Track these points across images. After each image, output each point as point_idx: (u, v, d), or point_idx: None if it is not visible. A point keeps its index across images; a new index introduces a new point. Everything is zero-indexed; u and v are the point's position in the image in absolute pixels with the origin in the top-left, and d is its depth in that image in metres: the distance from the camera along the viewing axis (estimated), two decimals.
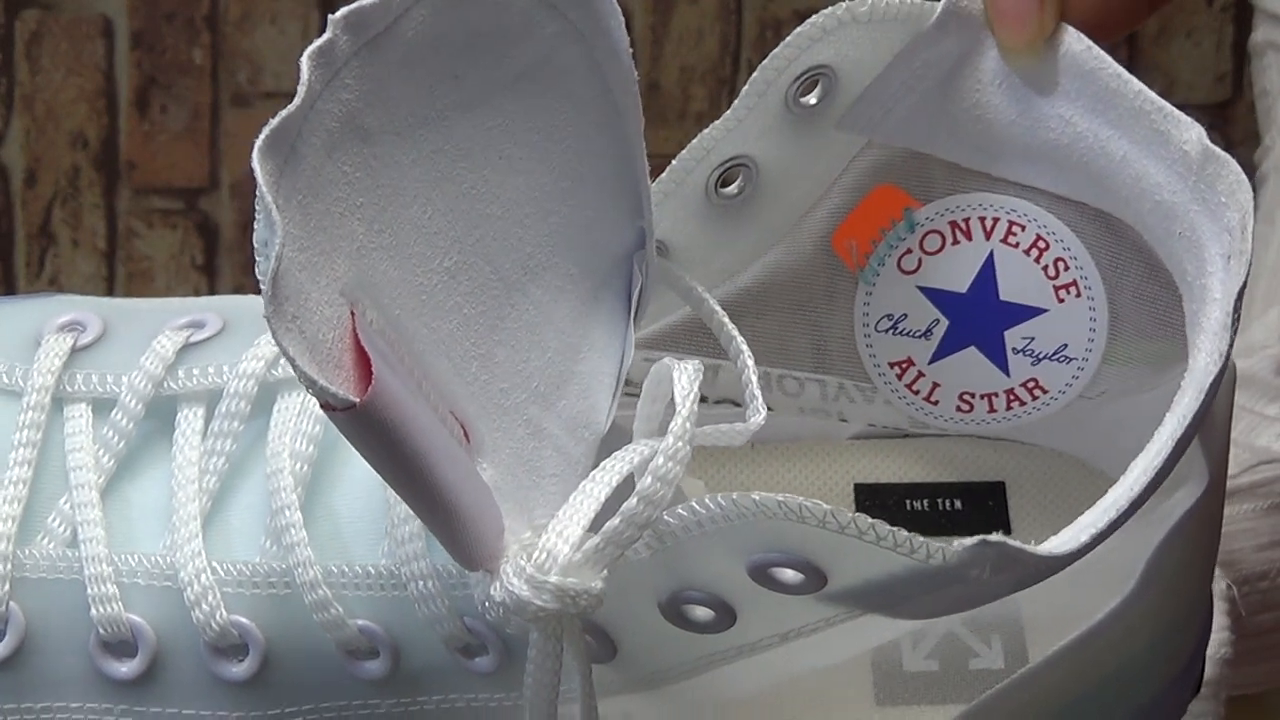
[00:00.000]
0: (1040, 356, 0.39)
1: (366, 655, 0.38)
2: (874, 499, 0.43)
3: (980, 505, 0.43)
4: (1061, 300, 0.38)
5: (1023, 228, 0.38)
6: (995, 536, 0.32)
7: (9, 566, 0.38)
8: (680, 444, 0.34)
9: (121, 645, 0.38)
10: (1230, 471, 0.60)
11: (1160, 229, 0.36)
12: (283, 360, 0.40)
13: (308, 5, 1.35)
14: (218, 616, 0.38)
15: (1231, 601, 0.58)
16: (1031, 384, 0.40)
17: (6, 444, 0.40)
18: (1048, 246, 0.38)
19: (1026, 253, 0.38)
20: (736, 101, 0.41)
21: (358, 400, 0.31)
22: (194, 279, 1.36)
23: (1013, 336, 0.39)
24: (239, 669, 0.38)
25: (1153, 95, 0.37)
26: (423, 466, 0.32)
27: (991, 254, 0.38)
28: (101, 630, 0.38)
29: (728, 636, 0.36)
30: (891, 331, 0.39)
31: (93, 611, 0.38)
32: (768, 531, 0.33)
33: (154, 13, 1.35)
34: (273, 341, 0.36)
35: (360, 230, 0.34)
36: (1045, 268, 0.38)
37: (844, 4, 0.38)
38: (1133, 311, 0.38)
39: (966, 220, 0.38)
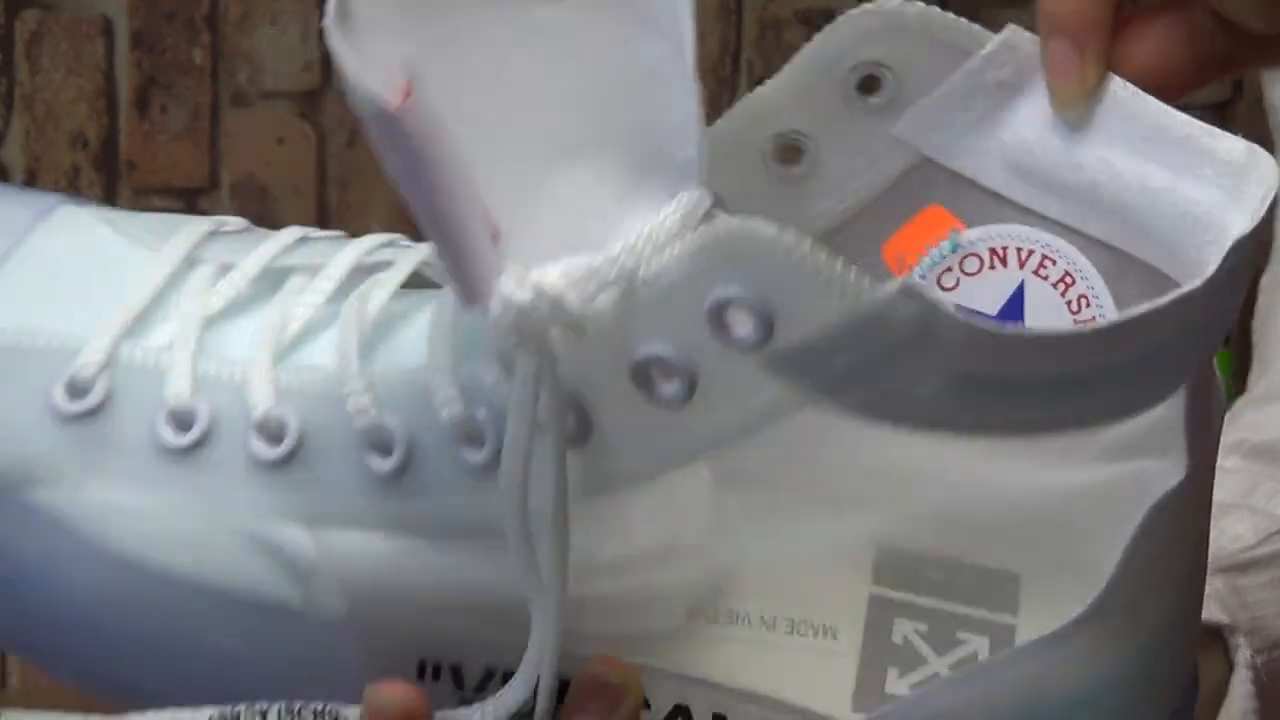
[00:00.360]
0: None
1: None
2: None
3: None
4: None
5: (1054, 262, 0.42)
6: (921, 285, 0.36)
7: (279, 378, 0.45)
8: (670, 220, 0.39)
9: (382, 444, 0.43)
10: (1249, 541, 0.62)
11: (1192, 241, 0.39)
12: (373, 255, 0.46)
13: (308, 5, 1.35)
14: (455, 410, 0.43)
15: (1255, 669, 0.59)
16: None
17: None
18: (1074, 282, 0.41)
19: (1054, 285, 0.42)
20: (787, 71, 0.45)
21: (393, 105, 0.35)
22: None
23: None
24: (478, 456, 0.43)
25: (1195, 121, 0.41)
26: (441, 188, 0.37)
27: (1023, 283, 0.42)
28: (362, 431, 0.43)
29: (692, 413, 0.40)
30: None
31: (354, 418, 0.44)
32: (730, 263, 0.38)
33: (154, 13, 1.35)
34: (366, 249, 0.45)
35: (429, 40, 0.39)
36: (1069, 302, 0.42)
37: (894, 1, 0.43)
38: None
39: (1004, 249, 0.42)
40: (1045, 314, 0.42)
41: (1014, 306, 0.42)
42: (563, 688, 0.43)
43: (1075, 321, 0.41)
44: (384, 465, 0.44)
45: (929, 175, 0.43)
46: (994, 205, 0.42)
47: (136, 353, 0.46)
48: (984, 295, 0.42)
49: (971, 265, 0.43)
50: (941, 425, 0.38)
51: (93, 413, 0.45)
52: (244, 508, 0.44)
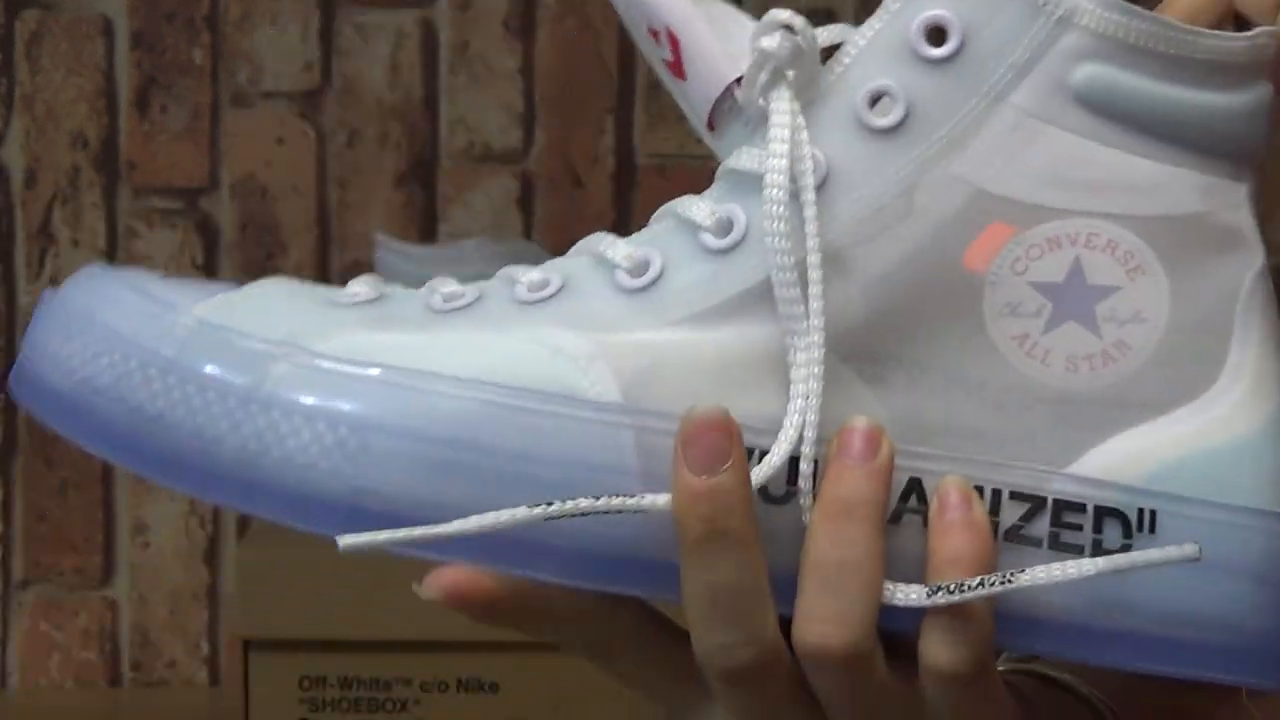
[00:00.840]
0: (1124, 321, 0.52)
1: None
2: None
3: None
4: (1132, 279, 0.52)
5: (1098, 235, 0.52)
6: None
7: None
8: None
9: (637, 267, 0.52)
10: None
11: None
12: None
13: (308, 5, 1.35)
14: None
15: None
16: (1119, 344, 0.52)
17: None
18: (1119, 244, 0.52)
19: (1103, 250, 0.52)
20: (872, 20, 0.52)
21: None
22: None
23: (1101, 310, 0.51)
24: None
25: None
26: None
27: (1078, 255, 0.52)
28: (621, 260, 0.52)
29: (908, 138, 0.50)
30: (1011, 315, 0.51)
31: (608, 251, 0.52)
32: None
33: (154, 13, 1.35)
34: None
35: None
36: (1119, 258, 0.52)
37: None
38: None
39: (1058, 236, 0.52)
40: (1102, 271, 0.52)
41: (1076, 272, 0.52)
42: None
43: (1126, 270, 0.52)
44: (640, 282, 0.52)
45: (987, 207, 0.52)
46: (1045, 212, 0.52)
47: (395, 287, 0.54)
48: (1049, 270, 0.52)
49: (1035, 253, 0.52)
50: (1100, 114, 0.50)
51: (370, 300, 0.52)
52: (519, 327, 0.51)
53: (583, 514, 0.49)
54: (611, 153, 1.37)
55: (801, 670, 0.50)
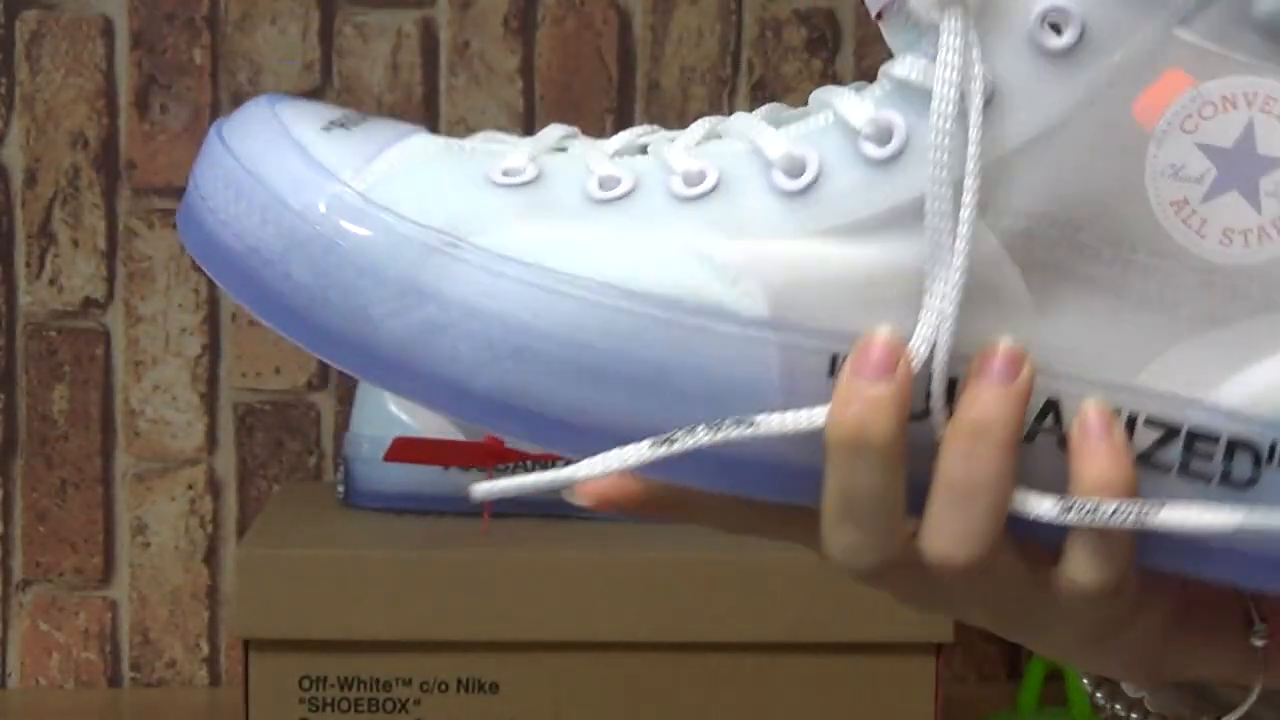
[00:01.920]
0: None
1: None
2: None
3: None
4: None
5: (1275, 99, 0.50)
6: None
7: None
8: None
9: (794, 168, 0.52)
10: None
11: None
12: None
13: (308, 5, 1.36)
14: None
15: None
16: (1278, 221, 0.50)
17: None
18: None
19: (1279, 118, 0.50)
20: None
21: None
22: (194, 279, 1.36)
23: (1266, 182, 0.50)
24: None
25: None
26: None
27: (1252, 119, 0.50)
28: (777, 159, 0.52)
29: (1081, 60, 0.50)
30: (1173, 177, 0.50)
31: (765, 149, 0.52)
32: None
33: (154, 13, 1.35)
34: None
35: None
36: None
37: None
38: None
39: (1234, 94, 0.50)
40: (1275, 140, 0.50)
41: (1246, 138, 0.50)
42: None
43: None
44: (796, 184, 0.52)
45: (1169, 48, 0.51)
46: (1226, 64, 0.50)
47: (551, 156, 0.54)
48: (1220, 133, 0.50)
49: (1208, 111, 0.50)
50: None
51: (526, 183, 0.52)
52: (673, 229, 0.51)
53: (718, 443, 0.50)
54: None
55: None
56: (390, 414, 1.21)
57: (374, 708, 1.10)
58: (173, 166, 1.35)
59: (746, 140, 0.53)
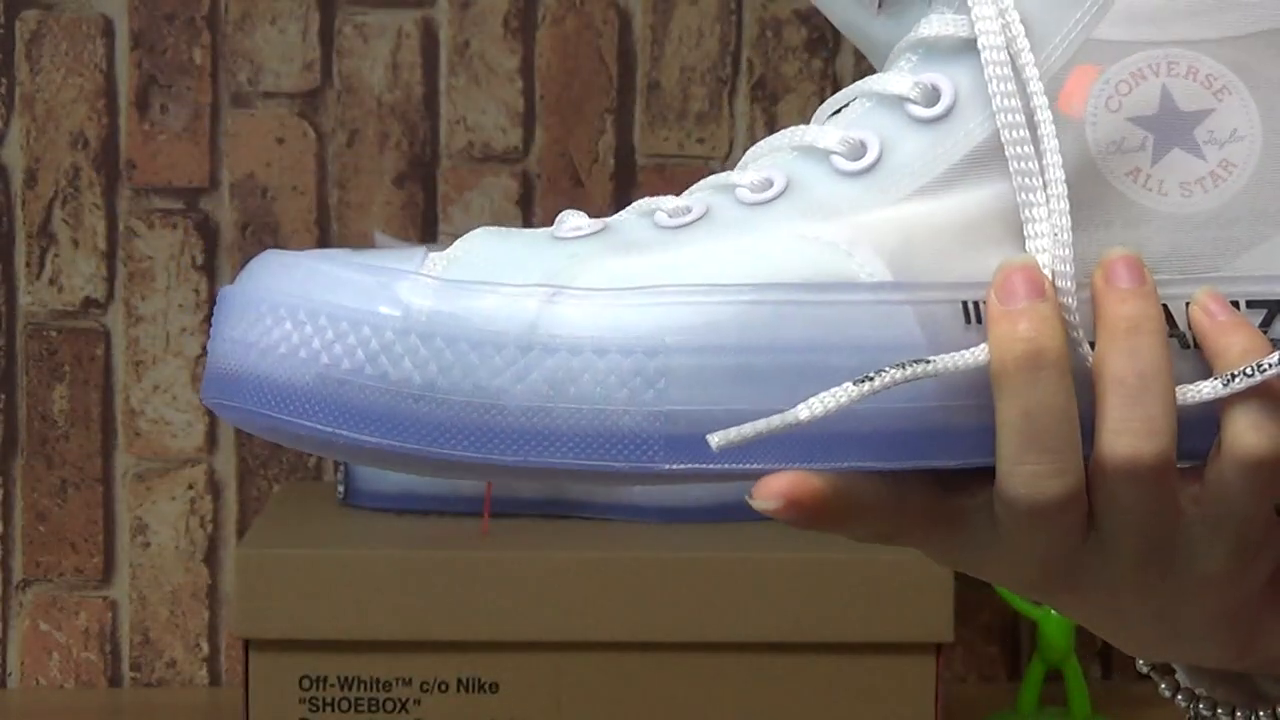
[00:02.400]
0: (1222, 141, 0.54)
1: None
2: None
3: None
4: (1220, 100, 0.54)
5: (1176, 63, 0.54)
6: None
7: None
8: None
9: (854, 151, 0.53)
10: None
11: None
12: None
13: (308, 5, 1.35)
14: None
15: None
16: (1224, 163, 0.54)
17: None
18: (1199, 69, 0.54)
19: (1185, 76, 0.54)
20: None
21: None
22: (194, 279, 1.36)
23: (1200, 133, 0.54)
24: None
25: None
26: None
27: (1164, 84, 0.54)
28: (837, 145, 0.53)
29: None
30: (1118, 153, 0.53)
31: (821, 138, 0.54)
32: None
33: (154, 13, 1.35)
34: None
35: None
36: (1201, 82, 0.54)
37: None
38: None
39: (1140, 69, 0.54)
40: (1190, 96, 0.54)
41: (1167, 100, 0.54)
42: None
43: (1213, 92, 0.53)
44: (862, 164, 0.53)
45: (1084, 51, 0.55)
46: (1121, 48, 0.54)
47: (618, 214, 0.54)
48: (1141, 102, 0.54)
49: (1123, 88, 0.54)
50: None
51: (597, 231, 0.53)
52: (768, 227, 0.52)
53: (907, 380, 0.51)
54: (611, 153, 1.37)
55: (1093, 507, 0.53)
56: None
57: (374, 708, 1.10)
58: (173, 166, 1.35)
59: (792, 147, 0.54)
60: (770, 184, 0.53)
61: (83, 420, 1.36)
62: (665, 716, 1.11)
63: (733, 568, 1.10)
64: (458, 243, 0.52)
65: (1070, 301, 0.52)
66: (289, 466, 1.37)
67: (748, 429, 0.50)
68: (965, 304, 0.53)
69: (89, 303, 1.35)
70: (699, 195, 0.54)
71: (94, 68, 1.35)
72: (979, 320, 0.53)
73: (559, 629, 1.10)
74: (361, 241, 1.36)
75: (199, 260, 1.36)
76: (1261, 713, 0.60)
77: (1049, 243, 0.52)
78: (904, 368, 0.51)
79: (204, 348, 1.36)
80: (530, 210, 1.37)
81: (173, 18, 1.35)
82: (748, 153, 0.56)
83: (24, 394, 1.35)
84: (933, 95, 0.53)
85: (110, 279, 1.35)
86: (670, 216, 0.53)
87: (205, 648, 1.37)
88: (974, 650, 1.40)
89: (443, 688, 1.11)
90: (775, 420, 0.50)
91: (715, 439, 0.49)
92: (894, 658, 1.11)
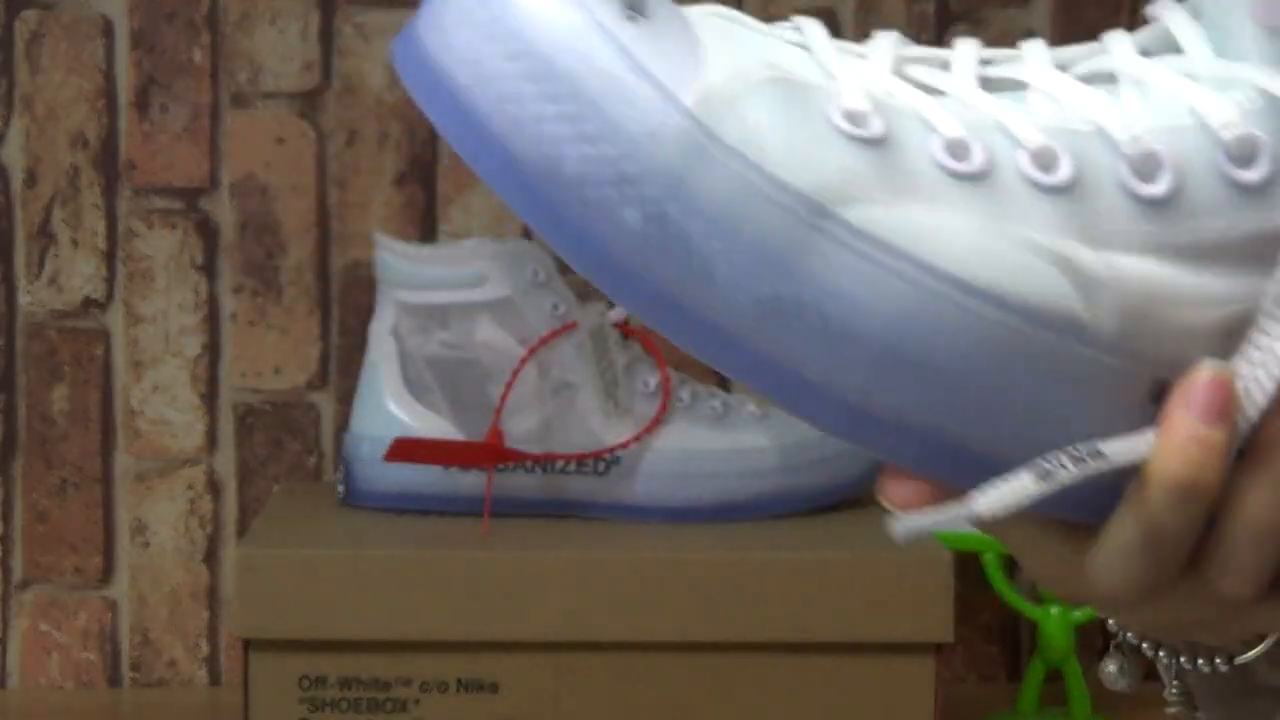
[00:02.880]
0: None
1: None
2: None
3: None
4: None
5: None
6: None
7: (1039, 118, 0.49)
8: None
9: (1149, 171, 0.48)
10: None
11: None
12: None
13: (308, 5, 1.35)
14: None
15: None
16: None
17: None
18: None
19: None
20: None
21: None
22: (194, 279, 1.36)
23: None
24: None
25: None
26: None
27: None
28: (1132, 159, 0.48)
29: None
30: None
31: (1122, 145, 0.48)
32: None
33: (154, 13, 1.35)
34: None
35: None
36: None
37: None
38: None
39: None
40: None
41: None
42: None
43: None
44: (1153, 190, 0.48)
45: None
46: None
47: (891, 100, 0.48)
48: None
49: None
50: None
51: (877, 140, 0.47)
52: (1031, 223, 0.47)
53: (1085, 477, 0.48)
54: None
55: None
56: (390, 414, 1.21)
57: (374, 708, 1.10)
58: (173, 166, 1.35)
59: (1095, 115, 0.48)
60: (1055, 163, 0.48)
61: (82, 420, 1.36)
62: (665, 716, 1.11)
63: (733, 568, 1.10)
64: (720, 71, 0.45)
65: (1244, 426, 0.48)
66: (289, 466, 1.37)
67: (928, 520, 0.47)
68: (1160, 383, 0.49)
69: (89, 303, 1.36)
70: (982, 134, 0.48)
71: (94, 68, 1.35)
72: (1156, 401, 0.49)
73: (559, 629, 1.10)
74: (361, 242, 1.36)
75: (199, 260, 1.36)
76: (1200, 660, 0.60)
77: (1269, 360, 0.48)
78: (1080, 461, 0.47)
79: (204, 347, 1.36)
80: None
81: (173, 18, 1.35)
82: (1066, 52, 0.51)
83: (24, 394, 1.35)
84: (1249, 154, 0.48)
85: (110, 279, 1.35)
86: (952, 157, 0.47)
87: (205, 648, 1.37)
88: (974, 650, 1.40)
89: (443, 688, 1.11)
90: (953, 513, 0.47)
91: (899, 528, 0.47)
92: (894, 658, 1.11)
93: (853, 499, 1.28)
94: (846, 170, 0.46)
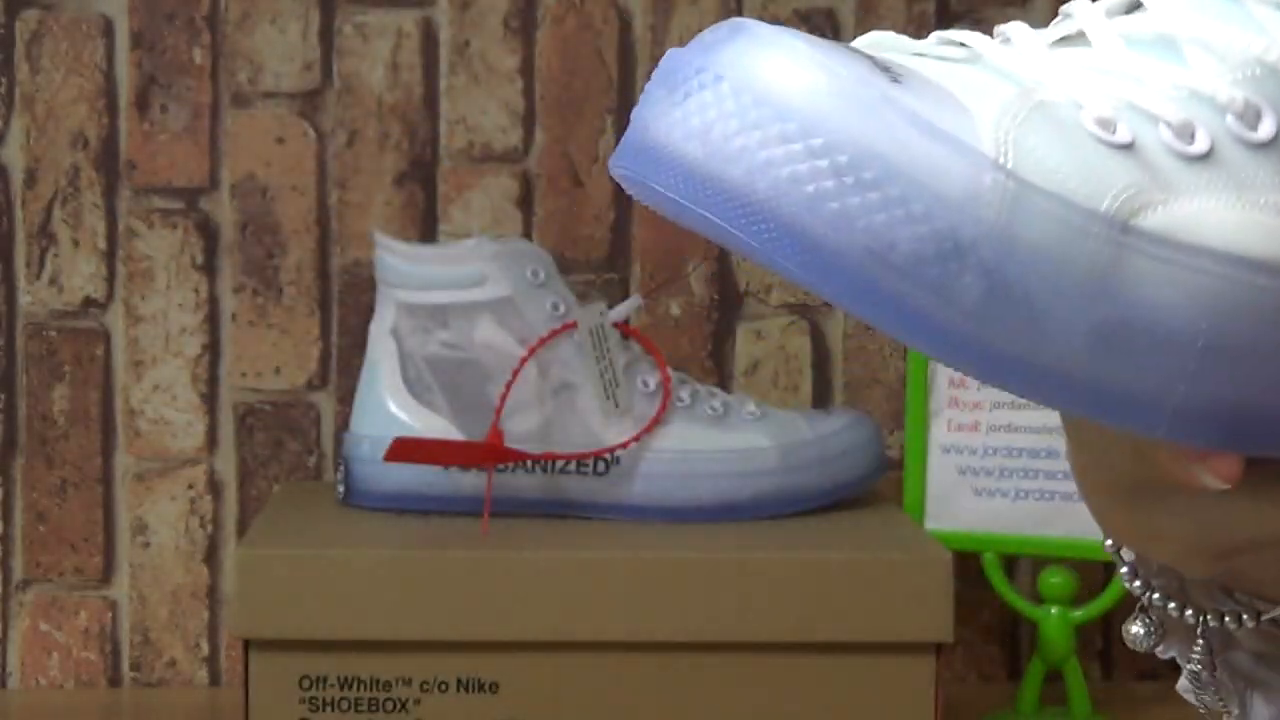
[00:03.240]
0: None
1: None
2: None
3: None
4: None
5: None
6: None
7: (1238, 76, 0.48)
8: None
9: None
10: None
11: None
12: None
13: (308, 5, 1.35)
14: None
15: None
16: None
17: None
18: None
19: None
20: None
21: None
22: (194, 279, 1.36)
23: None
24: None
25: None
26: None
27: None
28: None
29: None
30: None
31: None
32: None
33: (154, 13, 1.35)
34: None
35: None
36: None
37: None
38: None
39: None
40: None
41: None
42: None
43: None
44: (1260, 136, 0.47)
45: None
46: None
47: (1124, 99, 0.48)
48: None
49: None
50: None
51: (1129, 144, 0.46)
52: (1262, 184, 0.47)
53: None
54: (611, 153, 1.37)
55: None
56: (390, 414, 1.21)
57: (374, 708, 1.10)
58: (173, 166, 1.35)
59: (1191, 81, 0.47)
60: (1259, 118, 0.47)
61: (83, 420, 1.36)
62: (665, 716, 1.11)
63: (733, 568, 1.10)
64: (1003, 116, 0.44)
65: None
66: (289, 466, 1.37)
67: None
68: None
69: (89, 303, 1.35)
70: (1194, 111, 0.47)
71: (94, 68, 1.35)
72: None
73: (559, 629, 1.10)
74: (361, 242, 1.36)
75: (199, 260, 1.36)
76: (1228, 618, 0.60)
77: None
78: None
79: (204, 347, 1.36)
80: (530, 210, 1.37)
81: (173, 18, 1.35)
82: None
83: (24, 394, 1.35)
84: (1255, 119, 0.48)
85: (110, 279, 1.35)
86: (1180, 140, 0.47)
87: (205, 648, 1.37)
88: (974, 650, 1.40)
89: (443, 688, 1.11)
90: None
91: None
92: (894, 658, 1.11)
93: (853, 499, 1.28)
94: (1127, 180, 0.46)
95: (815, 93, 0.42)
